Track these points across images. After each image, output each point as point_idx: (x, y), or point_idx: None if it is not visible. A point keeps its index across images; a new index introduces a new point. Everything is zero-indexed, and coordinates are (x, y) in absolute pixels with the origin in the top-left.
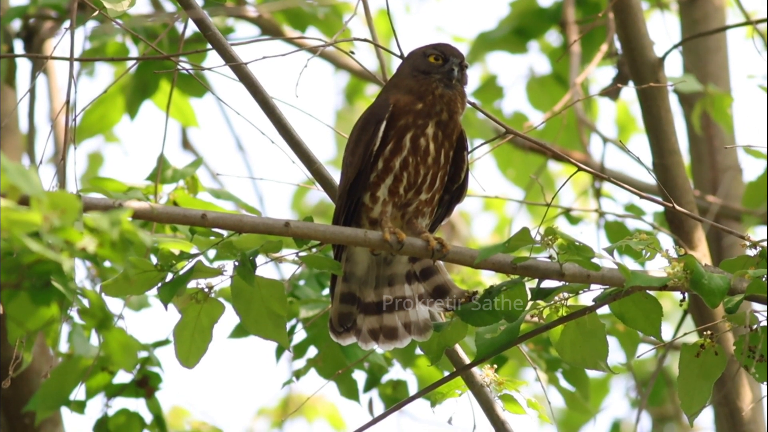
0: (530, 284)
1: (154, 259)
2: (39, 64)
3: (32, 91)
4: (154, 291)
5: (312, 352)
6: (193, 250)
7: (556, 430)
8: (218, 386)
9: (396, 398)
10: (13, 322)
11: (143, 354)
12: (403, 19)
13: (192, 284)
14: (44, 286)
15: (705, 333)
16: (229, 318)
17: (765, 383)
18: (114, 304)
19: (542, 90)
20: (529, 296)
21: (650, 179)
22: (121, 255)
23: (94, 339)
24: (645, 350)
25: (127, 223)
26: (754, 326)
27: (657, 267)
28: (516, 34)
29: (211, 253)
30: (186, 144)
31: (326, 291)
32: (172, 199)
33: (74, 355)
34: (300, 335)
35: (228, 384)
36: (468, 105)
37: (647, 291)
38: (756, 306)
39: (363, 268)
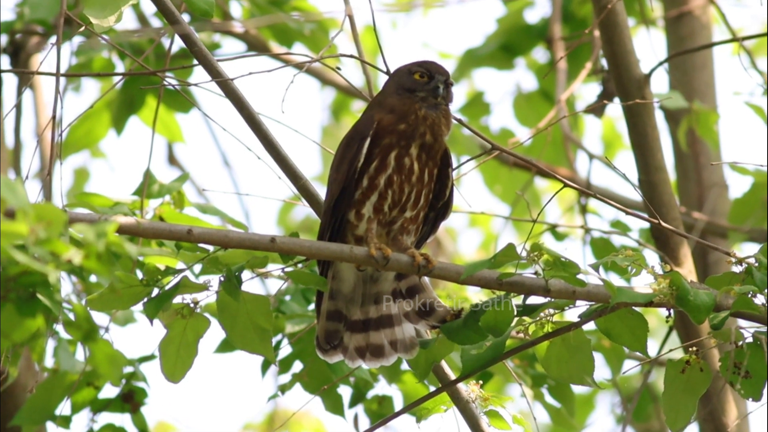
0: (516, 300)
1: (139, 275)
2: (25, 79)
3: (18, 107)
4: (139, 306)
5: (298, 366)
6: (179, 266)
7: None
8: (204, 401)
9: (381, 414)
10: None
11: (129, 369)
12: (389, 36)
13: (178, 299)
14: (30, 297)
15: (690, 349)
16: (215, 333)
17: (750, 399)
18: (99, 320)
19: (529, 106)
20: (515, 312)
21: (636, 196)
22: (106, 267)
23: (80, 354)
24: (631, 366)
25: (113, 235)
26: (740, 342)
27: (643, 283)
28: (503, 50)
29: (197, 268)
30: (172, 159)
31: (312, 306)
32: (158, 215)
33: (60, 370)
34: (286, 350)
35: (214, 399)
36: (454, 121)
37: (633, 307)
38: (741, 322)
39: (349, 286)
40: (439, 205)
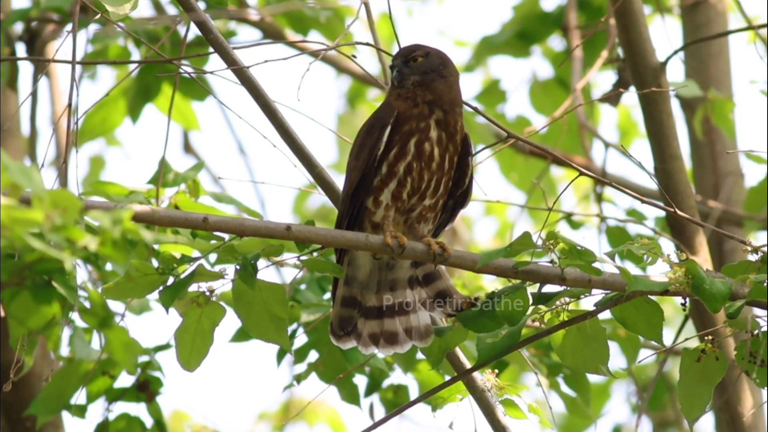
0: (532, 289)
1: (155, 263)
2: (41, 67)
3: (34, 94)
4: (155, 295)
5: (313, 356)
6: (195, 254)
7: None
8: (219, 390)
9: (397, 403)
10: (14, 321)
11: (144, 358)
12: (405, 23)
13: (193, 288)
14: (45, 285)
15: (706, 338)
16: (231, 322)
17: (766, 388)
18: (115, 309)
19: (545, 94)
20: (531, 301)
21: (652, 184)
22: (122, 254)
23: (96, 343)
24: (646, 355)
25: (129, 222)
26: (756, 331)
27: (658, 272)
28: (519, 38)
29: (213, 256)
30: (188, 147)
31: (327, 295)
32: (174, 203)
33: (75, 359)
34: (301, 339)
35: (229, 388)
36: (469, 108)
37: (648, 296)
38: (757, 311)
39: (365, 272)
40: (458, 193)
